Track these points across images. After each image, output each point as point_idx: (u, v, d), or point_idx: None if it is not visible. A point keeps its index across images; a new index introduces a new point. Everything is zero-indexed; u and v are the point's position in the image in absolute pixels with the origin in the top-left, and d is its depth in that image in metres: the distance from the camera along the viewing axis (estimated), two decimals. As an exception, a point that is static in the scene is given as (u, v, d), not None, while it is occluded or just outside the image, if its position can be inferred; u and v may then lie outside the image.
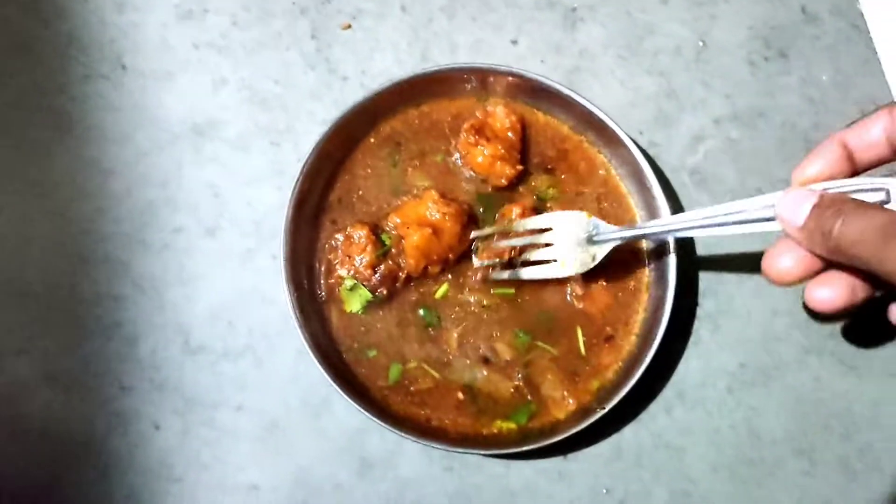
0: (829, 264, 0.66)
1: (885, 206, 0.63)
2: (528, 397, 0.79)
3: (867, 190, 0.64)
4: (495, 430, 0.79)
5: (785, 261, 0.66)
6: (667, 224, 0.74)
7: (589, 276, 0.80)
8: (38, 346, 0.81)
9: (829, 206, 0.62)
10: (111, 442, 0.80)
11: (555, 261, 0.77)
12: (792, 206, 0.64)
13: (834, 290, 0.65)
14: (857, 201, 0.62)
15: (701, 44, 0.92)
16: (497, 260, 0.80)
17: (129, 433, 0.80)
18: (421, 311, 0.81)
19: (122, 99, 0.89)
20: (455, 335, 0.81)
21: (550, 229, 0.78)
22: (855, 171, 0.68)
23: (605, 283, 0.82)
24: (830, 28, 0.92)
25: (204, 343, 0.82)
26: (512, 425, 0.79)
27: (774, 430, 0.83)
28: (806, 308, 0.82)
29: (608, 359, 0.81)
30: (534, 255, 0.78)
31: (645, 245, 0.84)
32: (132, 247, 0.84)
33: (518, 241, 0.79)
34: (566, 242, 0.77)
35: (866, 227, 0.59)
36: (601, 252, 0.77)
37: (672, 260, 0.79)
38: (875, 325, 0.84)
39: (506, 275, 0.79)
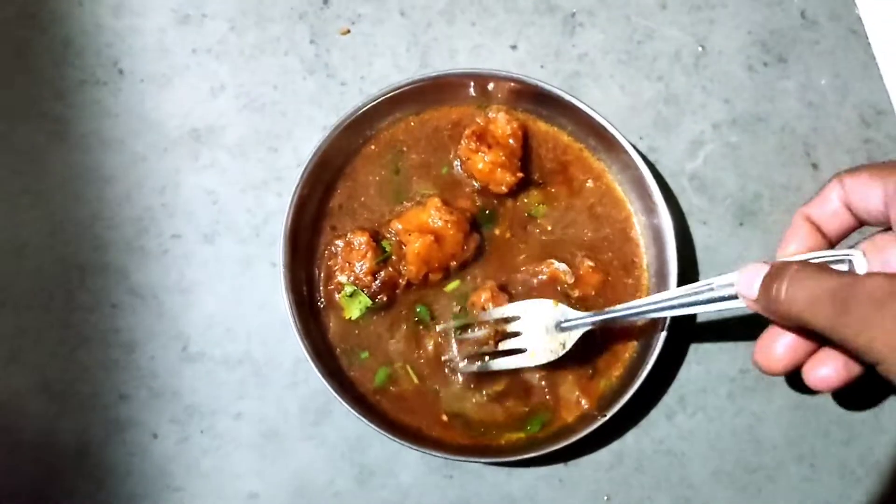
0: (821, 343, 0.65)
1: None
2: (547, 396, 0.79)
3: (833, 261, 0.64)
4: (502, 442, 0.78)
5: (776, 349, 0.66)
6: (634, 307, 0.73)
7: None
8: (32, 354, 0.81)
9: (777, 273, 0.61)
10: (108, 451, 0.79)
11: (524, 350, 0.76)
12: (747, 280, 0.63)
13: (829, 368, 0.64)
14: (809, 266, 0.61)
15: (700, 49, 0.92)
16: (468, 352, 0.79)
17: (127, 442, 0.79)
18: (418, 308, 0.80)
19: (119, 104, 0.88)
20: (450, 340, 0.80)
21: (518, 318, 0.77)
22: (830, 244, 0.68)
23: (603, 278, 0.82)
24: (829, 33, 0.92)
25: (203, 350, 0.81)
26: (521, 435, 0.78)
27: (775, 435, 0.83)
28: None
29: (613, 359, 0.81)
30: (504, 345, 0.77)
31: (644, 250, 0.83)
32: (130, 254, 0.84)
33: (482, 333, 0.78)
34: (535, 331, 0.77)
35: (816, 292, 0.58)
36: (570, 339, 0.76)
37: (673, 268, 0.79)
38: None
39: (475, 367, 0.78)
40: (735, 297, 0.66)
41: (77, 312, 0.82)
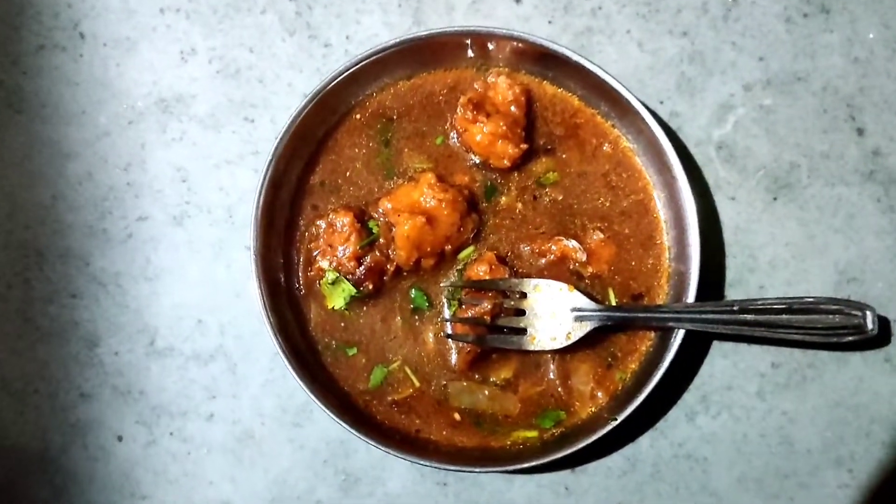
0: None
1: None
2: (559, 389, 0.72)
3: None
4: (508, 443, 0.71)
5: None
6: (654, 314, 0.70)
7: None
8: (-13, 349, 0.74)
9: None
10: (69, 455, 0.74)
11: (525, 331, 0.70)
12: None
13: None
14: None
15: (731, -2, 0.81)
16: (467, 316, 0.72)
17: (89, 445, 0.75)
18: (413, 293, 0.73)
19: (80, 72, 0.81)
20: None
21: (525, 295, 0.71)
22: None
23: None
24: (880, -22, 0.81)
25: (171, 344, 0.76)
26: (531, 434, 0.71)
27: (810, 438, 0.76)
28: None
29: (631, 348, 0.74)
30: (503, 322, 0.71)
31: (665, 228, 0.74)
32: (92, 238, 0.78)
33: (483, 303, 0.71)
34: (541, 313, 0.70)
35: None
36: (579, 331, 0.70)
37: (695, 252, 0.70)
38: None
39: (469, 338, 0.71)
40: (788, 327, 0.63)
41: (36, 303, 0.76)
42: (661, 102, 0.80)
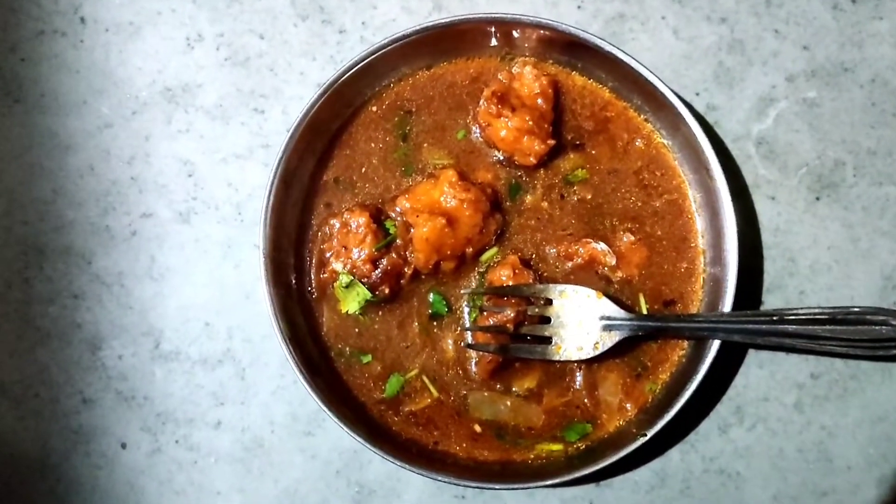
0: None
1: None
2: (585, 400, 0.69)
3: None
4: (531, 456, 0.68)
5: None
6: (688, 324, 0.67)
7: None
8: (-14, 351, 0.72)
9: None
10: (71, 463, 0.72)
11: (550, 340, 0.67)
12: None
13: None
14: None
15: (773, -18, 0.76)
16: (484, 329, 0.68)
17: (92, 453, 0.72)
18: (431, 297, 0.69)
19: (81, 59, 0.77)
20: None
21: (550, 302, 0.67)
22: None
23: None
24: (936, -39, 0.75)
25: (178, 348, 0.73)
26: (556, 447, 0.68)
27: (851, 454, 0.72)
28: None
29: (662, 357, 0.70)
30: (527, 330, 0.68)
31: (700, 230, 0.70)
32: (95, 235, 0.75)
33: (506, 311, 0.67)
34: (567, 321, 0.67)
35: None
36: (608, 341, 0.67)
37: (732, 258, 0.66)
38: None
39: (491, 348, 0.68)
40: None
41: (36, 304, 0.73)
42: (698, 94, 0.76)
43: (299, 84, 0.77)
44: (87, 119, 0.76)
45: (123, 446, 0.72)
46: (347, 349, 0.69)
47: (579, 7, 0.77)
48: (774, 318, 0.64)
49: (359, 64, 0.70)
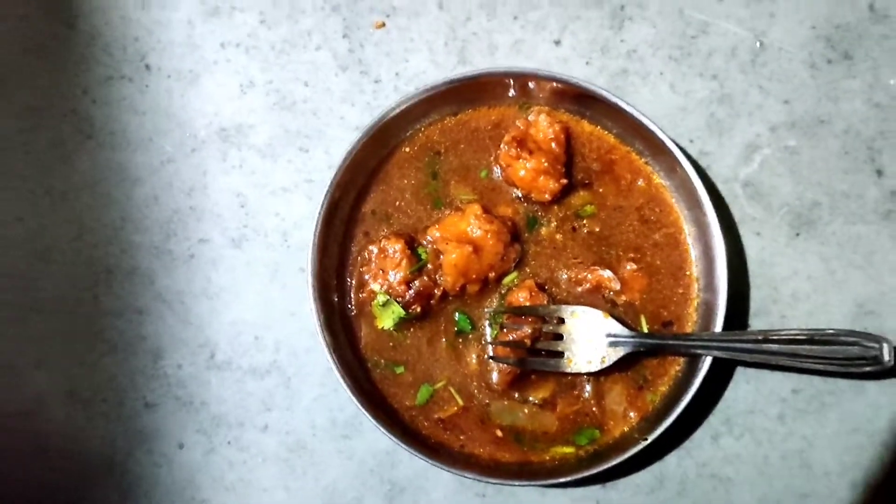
0: None
1: None
2: (594, 408, 0.76)
3: None
4: (546, 458, 0.75)
5: None
6: (684, 342, 0.74)
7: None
8: (58, 359, 0.80)
9: None
10: (135, 460, 0.78)
11: (562, 354, 0.74)
12: None
13: None
14: None
15: (758, 44, 0.86)
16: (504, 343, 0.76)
17: (153, 452, 0.78)
18: (457, 316, 0.77)
19: (147, 102, 0.85)
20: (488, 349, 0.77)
21: (563, 320, 0.75)
22: None
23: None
24: (900, 28, 0.85)
25: (230, 359, 0.79)
26: (569, 450, 0.76)
27: (828, 461, 0.78)
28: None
29: (661, 371, 0.78)
30: (542, 345, 0.75)
31: (694, 260, 0.79)
32: (157, 257, 0.82)
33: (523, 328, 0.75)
34: (577, 338, 0.75)
35: None
36: (613, 356, 0.75)
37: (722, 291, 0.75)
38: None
39: (511, 360, 0.76)
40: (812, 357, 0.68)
41: (104, 318, 0.80)
42: (692, 141, 0.84)
43: (339, 127, 0.85)
44: (152, 155, 0.84)
45: (181, 446, 0.78)
46: (383, 361, 0.77)
47: (587, 63, 0.86)
48: (760, 338, 0.72)
49: (395, 110, 0.78)
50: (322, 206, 0.76)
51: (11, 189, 0.83)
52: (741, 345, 0.72)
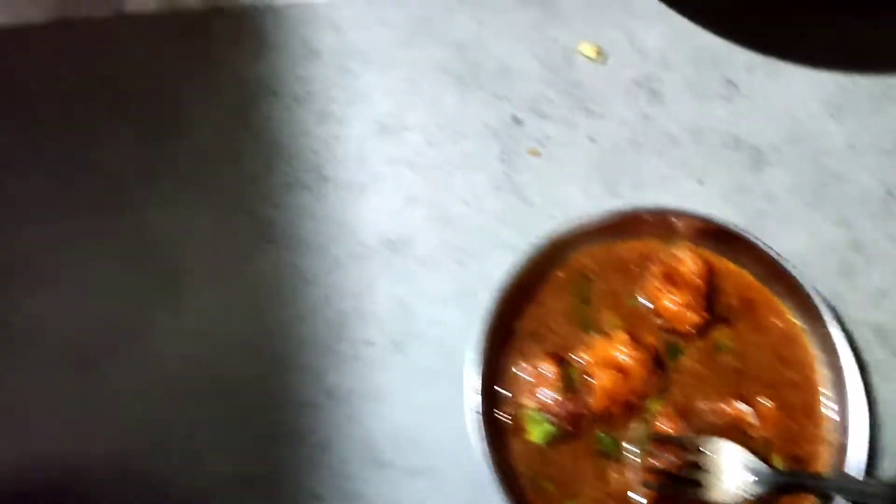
0: None
1: None
2: None
3: None
4: None
5: None
6: (828, 484, 0.77)
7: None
8: (234, 446, 0.86)
9: None
10: None
11: (702, 484, 0.79)
12: None
13: None
14: None
15: (888, 194, 0.92)
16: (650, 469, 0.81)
17: None
18: (602, 437, 0.83)
19: (322, 209, 0.94)
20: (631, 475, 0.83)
21: (704, 451, 0.80)
22: None
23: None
24: None
25: (392, 459, 0.86)
26: None
27: None
28: None
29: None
30: (686, 474, 0.80)
31: (828, 401, 0.84)
32: (326, 356, 0.89)
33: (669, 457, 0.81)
34: (717, 470, 0.79)
35: None
36: (752, 489, 0.78)
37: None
38: None
39: (655, 486, 0.80)
40: None
41: (277, 409, 0.87)
42: (824, 284, 0.90)
43: (493, 245, 0.92)
44: (324, 259, 0.92)
45: (344, 536, 0.85)
46: (533, 475, 0.83)
47: (727, 202, 0.93)
48: (893, 486, 0.77)
49: (556, 238, 0.86)
50: (486, 324, 0.83)
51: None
52: (878, 490, 0.76)
